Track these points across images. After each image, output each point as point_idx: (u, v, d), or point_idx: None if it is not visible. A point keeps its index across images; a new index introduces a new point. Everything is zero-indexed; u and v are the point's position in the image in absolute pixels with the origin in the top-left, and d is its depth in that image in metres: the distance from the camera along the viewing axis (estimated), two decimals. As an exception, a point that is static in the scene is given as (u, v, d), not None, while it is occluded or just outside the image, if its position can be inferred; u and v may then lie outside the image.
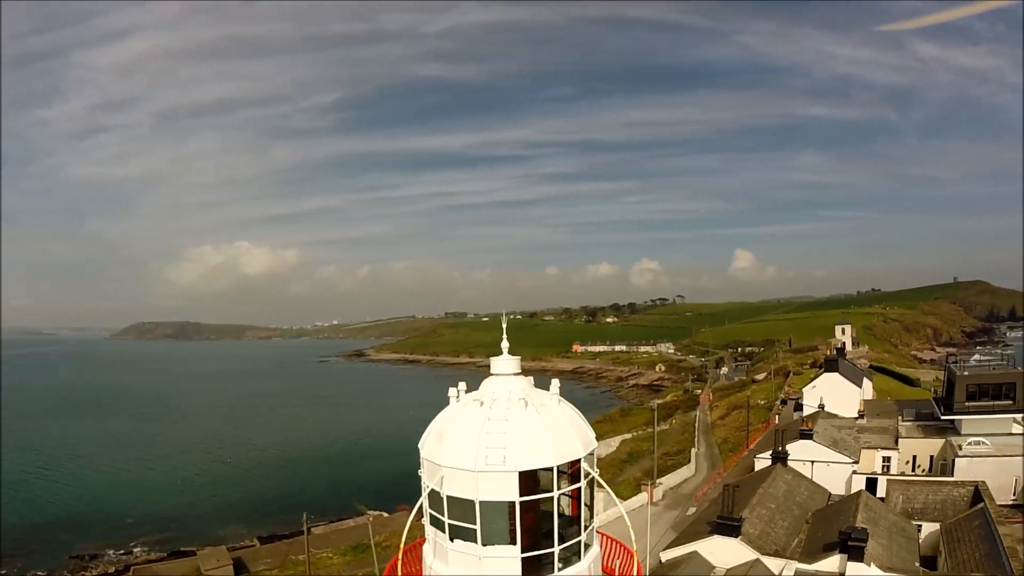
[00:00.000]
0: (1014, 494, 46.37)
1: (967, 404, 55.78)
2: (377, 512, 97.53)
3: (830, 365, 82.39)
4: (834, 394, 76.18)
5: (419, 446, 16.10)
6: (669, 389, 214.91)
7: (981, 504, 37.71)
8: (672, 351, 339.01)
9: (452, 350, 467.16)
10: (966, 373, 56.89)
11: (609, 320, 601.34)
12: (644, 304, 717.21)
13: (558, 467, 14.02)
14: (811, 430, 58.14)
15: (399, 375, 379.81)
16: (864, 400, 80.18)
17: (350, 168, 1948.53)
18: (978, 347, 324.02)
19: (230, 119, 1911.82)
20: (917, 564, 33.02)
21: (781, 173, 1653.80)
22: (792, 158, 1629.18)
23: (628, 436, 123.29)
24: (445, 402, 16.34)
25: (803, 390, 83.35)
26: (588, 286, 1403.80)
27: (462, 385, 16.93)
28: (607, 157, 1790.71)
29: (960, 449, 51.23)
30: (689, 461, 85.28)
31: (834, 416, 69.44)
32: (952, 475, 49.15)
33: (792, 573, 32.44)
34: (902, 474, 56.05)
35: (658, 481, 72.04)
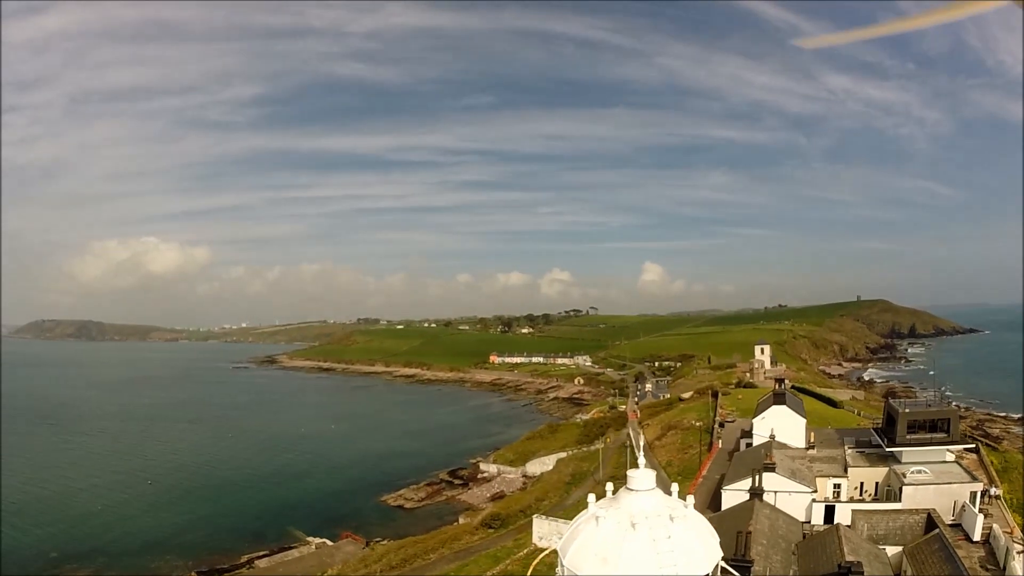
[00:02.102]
0: (953, 515, 56.23)
1: (908, 437, 66.21)
2: (320, 540, 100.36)
3: (778, 398, 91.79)
4: (782, 425, 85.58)
5: (568, 563, 19.98)
6: (592, 404, 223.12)
7: (937, 530, 46.94)
8: (589, 364, 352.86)
9: (367, 358, 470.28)
10: (907, 410, 67.49)
11: (524, 331, 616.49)
12: (558, 315, 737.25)
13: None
14: (774, 463, 66.82)
15: (315, 384, 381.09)
16: (815, 431, 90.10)
17: (263, 165, 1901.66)
18: (880, 362, 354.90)
19: (144, 107, 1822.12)
20: (895, 585, 41.48)
21: (691, 190, 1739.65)
22: (702, 176, 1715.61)
23: (563, 455, 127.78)
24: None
25: (753, 421, 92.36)
26: (498, 295, 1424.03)
27: (592, 497, 22.08)
28: (522, 167, 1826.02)
29: (905, 477, 60.98)
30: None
31: (785, 446, 78.80)
32: (900, 501, 58.81)
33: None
34: (851, 499, 65.68)
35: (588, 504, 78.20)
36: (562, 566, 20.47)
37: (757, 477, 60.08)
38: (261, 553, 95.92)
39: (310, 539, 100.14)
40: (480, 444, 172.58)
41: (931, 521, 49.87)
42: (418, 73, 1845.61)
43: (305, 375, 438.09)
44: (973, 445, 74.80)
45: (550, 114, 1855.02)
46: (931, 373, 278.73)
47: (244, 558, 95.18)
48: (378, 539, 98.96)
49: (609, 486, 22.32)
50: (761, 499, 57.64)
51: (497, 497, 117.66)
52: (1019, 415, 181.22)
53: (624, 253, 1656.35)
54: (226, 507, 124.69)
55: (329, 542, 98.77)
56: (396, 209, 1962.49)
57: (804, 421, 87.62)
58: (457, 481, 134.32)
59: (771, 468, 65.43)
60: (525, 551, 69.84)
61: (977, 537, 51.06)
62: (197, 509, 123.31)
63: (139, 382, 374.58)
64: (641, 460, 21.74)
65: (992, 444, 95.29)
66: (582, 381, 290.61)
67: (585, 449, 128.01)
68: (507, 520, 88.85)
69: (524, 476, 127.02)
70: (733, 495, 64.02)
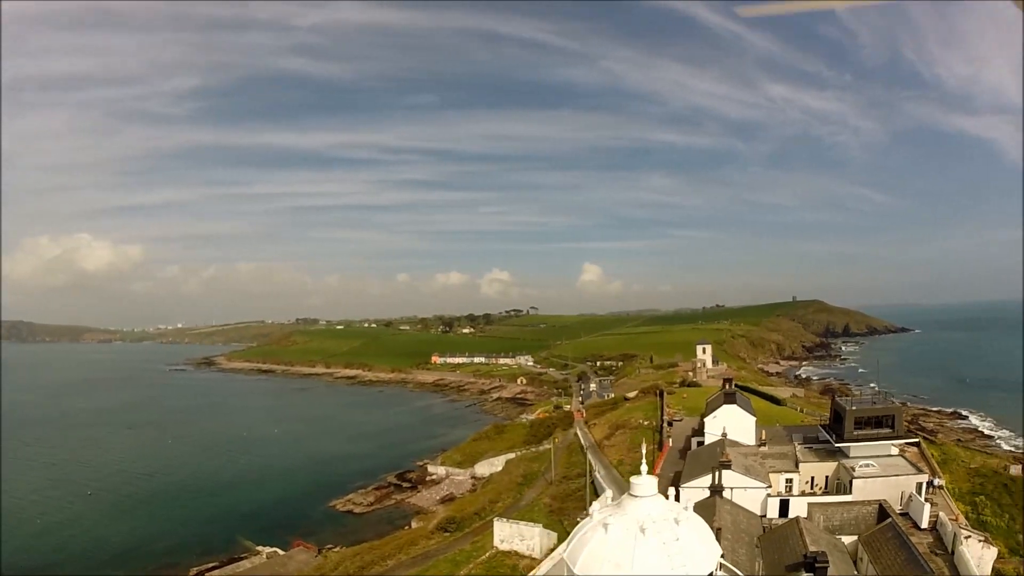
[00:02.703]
0: (901, 505, 59.73)
1: (855, 432, 69.99)
2: (270, 549, 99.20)
3: (728, 398, 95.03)
4: (733, 423, 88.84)
5: (580, 570, 21.34)
6: (537, 404, 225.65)
7: (889, 519, 50.05)
8: (532, 364, 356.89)
9: (307, 359, 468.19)
10: (854, 408, 71.34)
11: (465, 331, 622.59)
12: (499, 315, 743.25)
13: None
14: (729, 461, 69.56)
15: (255, 386, 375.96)
16: (765, 429, 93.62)
17: (202, 160, 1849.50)
18: (816, 360, 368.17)
19: (81, 96, 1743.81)
20: (855, 573, 44.14)
21: (632, 192, 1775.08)
22: (643, 179, 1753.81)
23: (512, 455, 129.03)
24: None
25: (704, 420, 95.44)
26: (438, 295, 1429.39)
27: (595, 505, 23.45)
28: (465, 167, 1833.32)
29: (854, 471, 64.41)
30: (604, 489, 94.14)
31: (737, 444, 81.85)
32: (850, 493, 62.15)
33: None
34: (803, 493, 68.97)
35: (590, 512, 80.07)
36: (572, 574, 21.65)
37: (717, 474, 62.62)
38: (210, 565, 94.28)
39: (260, 548, 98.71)
40: (426, 446, 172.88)
41: (883, 511, 53.12)
42: (363, 70, 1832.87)
43: (244, 377, 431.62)
44: (916, 439, 79.30)
45: (495, 114, 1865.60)
46: (860, 371, 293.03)
47: (192, 571, 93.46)
48: (330, 546, 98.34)
49: (608, 493, 23.68)
50: (721, 496, 60.12)
51: (447, 499, 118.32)
52: (951, 410, 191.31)
53: (564, 253, 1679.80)
54: (171, 517, 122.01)
55: (280, 551, 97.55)
56: (337, 207, 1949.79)
57: (754, 419, 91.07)
58: (406, 484, 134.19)
59: (727, 465, 68.13)
60: (487, 554, 70.66)
61: (925, 524, 54.73)
62: (140, 520, 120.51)
63: (76, 386, 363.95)
64: (643, 467, 23.10)
65: (929, 437, 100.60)
66: (525, 381, 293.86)
67: (534, 449, 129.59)
68: (462, 523, 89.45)
69: (473, 478, 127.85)
70: (691, 492, 66.06)
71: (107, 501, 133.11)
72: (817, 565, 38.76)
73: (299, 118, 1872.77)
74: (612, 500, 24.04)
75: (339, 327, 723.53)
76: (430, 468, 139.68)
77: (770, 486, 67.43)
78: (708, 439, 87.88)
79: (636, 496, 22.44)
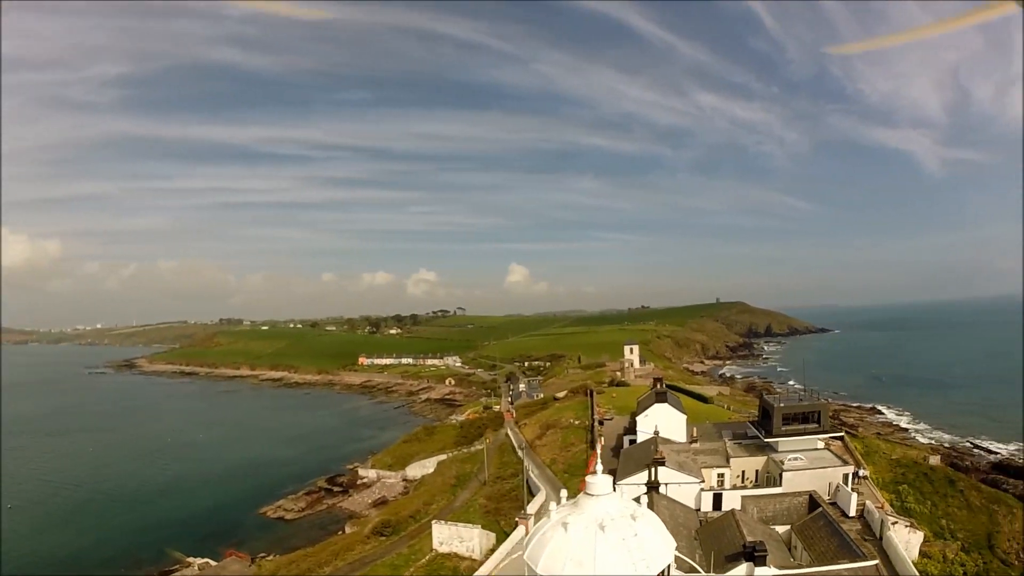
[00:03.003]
0: (829, 495, 62.03)
1: (783, 428, 72.38)
2: (202, 560, 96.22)
3: (659, 397, 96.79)
4: (665, 422, 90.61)
5: (542, 570, 21.53)
6: (466, 405, 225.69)
7: (820, 508, 51.92)
8: (460, 364, 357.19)
9: (231, 361, 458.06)
10: (782, 404, 73.91)
11: (392, 331, 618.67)
12: (426, 316, 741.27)
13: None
14: (663, 457, 70.86)
15: (179, 389, 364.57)
16: (696, 426, 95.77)
17: (125, 152, 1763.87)
18: (740, 359, 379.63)
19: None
20: (791, 560, 45.52)
21: (560, 195, 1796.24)
22: (571, 182, 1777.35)
23: (443, 457, 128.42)
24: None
25: (636, 418, 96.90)
26: (364, 295, 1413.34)
27: (553, 505, 23.64)
28: (395, 166, 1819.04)
29: (783, 464, 66.55)
30: (539, 488, 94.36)
31: (669, 441, 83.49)
32: (780, 485, 64.18)
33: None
34: (734, 487, 70.84)
35: (528, 512, 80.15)
36: (535, 574, 21.54)
37: (653, 471, 63.69)
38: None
39: (191, 560, 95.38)
40: (356, 449, 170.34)
41: (813, 501, 55.17)
42: (294, 63, 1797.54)
43: (167, 380, 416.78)
44: (840, 434, 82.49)
45: (426, 113, 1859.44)
46: (782, 370, 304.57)
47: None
48: (263, 555, 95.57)
49: (564, 492, 23.72)
50: (658, 491, 61.12)
51: (380, 503, 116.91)
52: (870, 406, 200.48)
53: (491, 254, 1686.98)
54: (96, 529, 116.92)
55: (212, 562, 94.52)
56: (262, 204, 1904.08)
57: (685, 417, 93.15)
58: (336, 488, 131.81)
59: (661, 462, 69.46)
60: (427, 557, 70.02)
61: (853, 512, 57.25)
62: (64, 533, 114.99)
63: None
64: (599, 466, 23.30)
65: (851, 432, 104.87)
66: (453, 382, 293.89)
67: (465, 450, 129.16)
68: (398, 527, 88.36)
69: (405, 480, 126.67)
70: (627, 489, 67.17)
71: (29, 515, 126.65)
72: (756, 554, 39.68)
73: (226, 110, 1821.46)
74: (567, 500, 23.96)
75: (264, 328, 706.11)
76: (361, 471, 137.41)
77: (703, 481, 68.99)
78: (640, 437, 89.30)
79: (593, 495, 22.72)
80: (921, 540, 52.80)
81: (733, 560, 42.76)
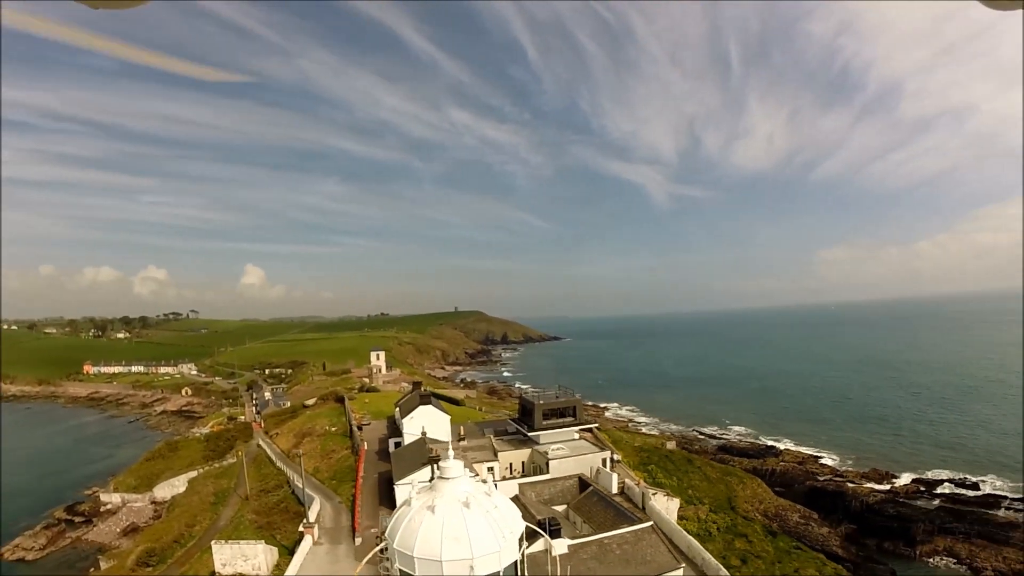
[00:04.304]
0: (591, 476, 70.21)
1: (544, 423, 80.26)
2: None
3: (424, 399, 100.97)
4: (431, 423, 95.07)
5: (420, 554, 23.74)
6: (208, 416, 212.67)
7: (591, 487, 59.19)
8: (196, 373, 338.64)
9: None
10: (541, 402, 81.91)
11: (120, 335, 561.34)
12: (157, 318, 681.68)
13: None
14: (439, 455, 74.92)
15: None
16: (462, 426, 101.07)
17: None
18: (479, 365, 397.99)
19: None
20: (576, 531, 51.75)
21: (303, 196, 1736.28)
22: (317, 183, 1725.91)
23: (194, 474, 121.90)
24: None
25: (403, 420, 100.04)
26: (87, 292, 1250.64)
27: (411, 490, 26.05)
28: (132, 147, 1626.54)
29: (548, 454, 73.95)
30: (313, 498, 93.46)
31: (437, 441, 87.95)
32: (548, 473, 71.38)
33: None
34: (504, 478, 77.11)
35: (310, 520, 79.22)
36: (413, 560, 23.76)
37: (435, 468, 67.27)
38: None
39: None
40: (93, 471, 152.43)
41: (583, 482, 62.68)
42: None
43: None
44: (593, 425, 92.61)
45: (172, 93, 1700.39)
46: (520, 374, 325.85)
47: None
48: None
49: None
50: (441, 486, 65.01)
51: (130, 530, 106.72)
52: (603, 404, 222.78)
53: (226, 254, 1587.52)
54: None
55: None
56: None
57: (449, 418, 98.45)
58: (79, 519, 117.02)
59: (437, 460, 73.51)
60: (211, 583, 66.92)
61: (615, 490, 65.49)
62: None
63: None
64: (451, 451, 26.10)
65: (597, 424, 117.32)
66: (190, 392, 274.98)
67: (217, 465, 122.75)
68: (164, 554, 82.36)
69: (154, 503, 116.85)
70: (408, 488, 70.25)
71: None
72: (552, 528, 44.97)
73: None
74: (421, 486, 26.55)
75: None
76: (103, 496, 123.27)
77: (477, 475, 74.12)
78: (408, 439, 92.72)
79: (448, 478, 25.19)
80: (678, 506, 62.32)
81: (532, 537, 47.80)
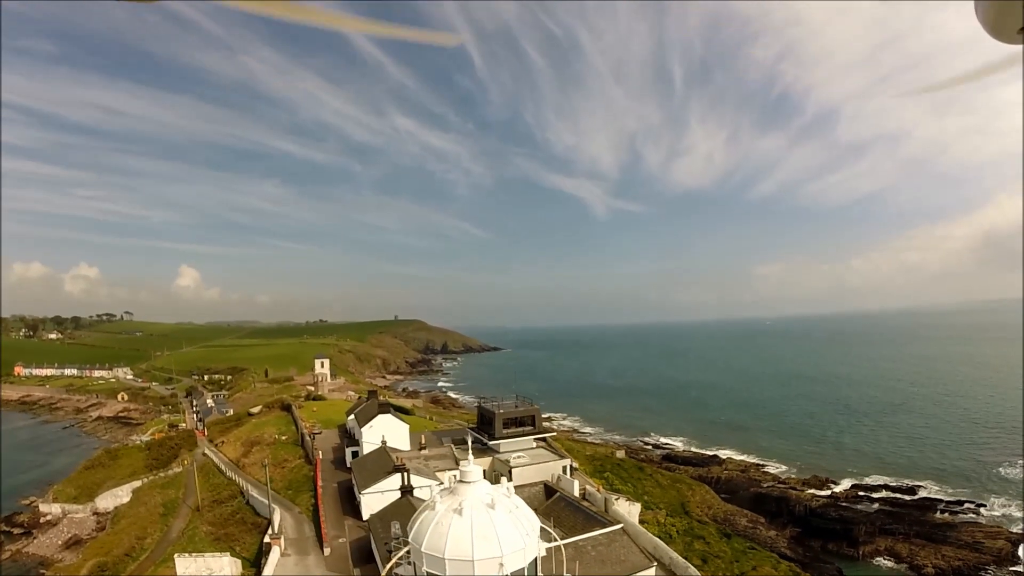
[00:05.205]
0: (553, 483, 73.60)
1: (504, 431, 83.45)
2: None
3: (383, 408, 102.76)
4: (390, 432, 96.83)
5: (451, 555, 25.77)
6: (147, 423, 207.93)
7: (557, 493, 62.51)
8: (132, 377, 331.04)
9: None
10: (501, 411, 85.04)
11: (52, 336, 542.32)
12: (90, 319, 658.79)
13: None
14: (403, 464, 77.12)
15: None
16: (422, 435, 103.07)
17: None
18: (420, 374, 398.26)
19: None
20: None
21: (240, 196, 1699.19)
22: (255, 184, 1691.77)
23: (138, 483, 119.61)
24: None
25: (362, 429, 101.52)
26: (15, 289, 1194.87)
27: (437, 494, 28.45)
28: (66, 137, 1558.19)
29: (510, 462, 77.13)
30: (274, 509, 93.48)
31: (396, 450, 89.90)
32: (511, 480, 74.28)
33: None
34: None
35: (276, 531, 79.52)
36: (444, 562, 26.09)
37: (405, 476, 69.74)
38: None
39: None
40: (28, 479, 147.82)
41: (549, 489, 65.88)
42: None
43: None
44: (550, 434, 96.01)
45: (111, 83, 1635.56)
46: (460, 384, 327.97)
47: None
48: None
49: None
50: (412, 495, 67.32)
51: (73, 543, 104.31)
52: (547, 415, 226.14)
53: (161, 253, 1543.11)
54: None
55: None
56: None
57: (407, 427, 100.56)
58: (17, 531, 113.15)
59: (402, 468, 75.71)
60: (175, 598, 67.00)
61: (577, 494, 68.80)
62: None
63: None
64: (470, 456, 28.64)
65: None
66: (127, 397, 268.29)
67: (162, 474, 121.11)
68: (116, 568, 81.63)
69: (96, 514, 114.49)
70: (375, 497, 72.53)
71: None
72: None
73: None
74: (441, 490, 29.28)
75: None
76: (42, 507, 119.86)
77: (441, 483, 76.58)
78: (367, 448, 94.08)
79: (469, 482, 27.59)
80: (639, 510, 66.07)
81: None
